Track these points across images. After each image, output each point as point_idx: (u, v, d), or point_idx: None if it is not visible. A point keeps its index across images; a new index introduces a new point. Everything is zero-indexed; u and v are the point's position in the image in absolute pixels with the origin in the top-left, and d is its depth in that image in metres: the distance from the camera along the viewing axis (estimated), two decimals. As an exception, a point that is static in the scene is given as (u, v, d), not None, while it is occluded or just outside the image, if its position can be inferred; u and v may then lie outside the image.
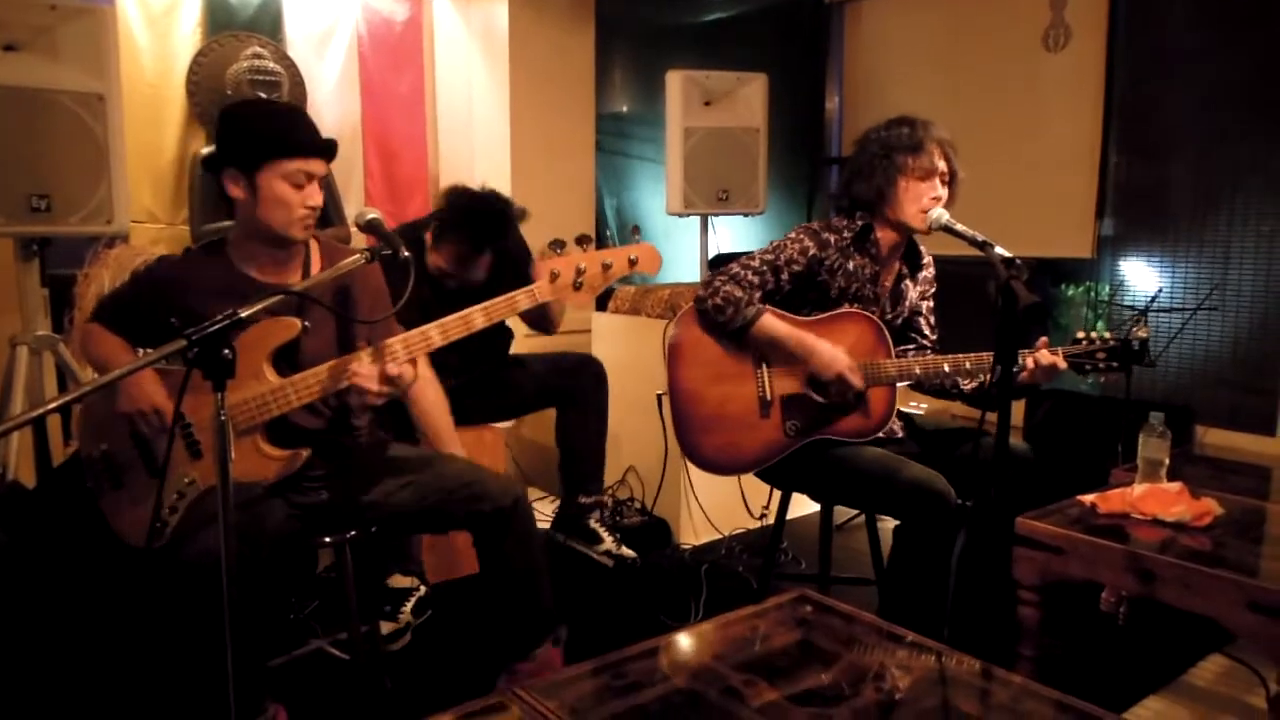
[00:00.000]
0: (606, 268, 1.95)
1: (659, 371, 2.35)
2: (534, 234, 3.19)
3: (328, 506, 2.06)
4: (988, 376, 2.24)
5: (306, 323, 1.94)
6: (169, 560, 1.86)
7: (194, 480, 1.89)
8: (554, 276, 1.93)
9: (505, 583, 2.10)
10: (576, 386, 3.06)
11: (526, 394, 3.06)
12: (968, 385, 2.33)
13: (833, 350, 2.22)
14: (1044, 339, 2.19)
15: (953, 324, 2.60)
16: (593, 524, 3.14)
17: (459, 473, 2.09)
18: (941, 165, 2.25)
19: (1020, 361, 2.12)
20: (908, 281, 2.43)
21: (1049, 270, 4.05)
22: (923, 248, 2.47)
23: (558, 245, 1.94)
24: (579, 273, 1.93)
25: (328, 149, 1.96)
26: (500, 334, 3.06)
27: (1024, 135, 4.05)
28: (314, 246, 2.08)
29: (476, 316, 1.93)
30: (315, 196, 1.94)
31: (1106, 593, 2.60)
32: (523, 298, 1.93)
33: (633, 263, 1.98)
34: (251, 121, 1.96)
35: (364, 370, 1.85)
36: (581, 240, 1.98)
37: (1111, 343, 2.17)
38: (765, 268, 2.29)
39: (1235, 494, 2.32)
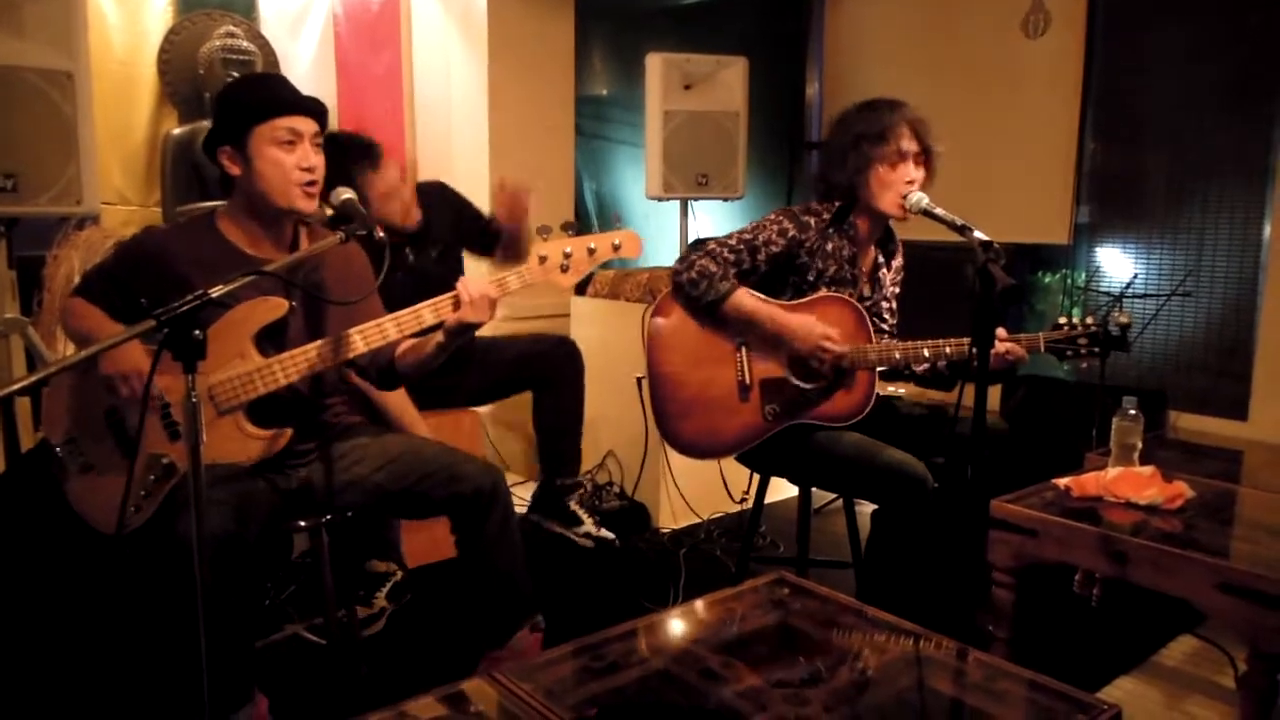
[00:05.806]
0: (591, 251, 2.03)
1: (638, 355, 2.34)
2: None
3: (306, 489, 2.04)
4: (950, 355, 2.24)
5: (293, 302, 1.93)
6: (156, 540, 1.82)
7: (171, 461, 1.87)
8: (542, 259, 2.00)
9: (483, 567, 2.09)
10: (551, 368, 3.05)
11: (501, 377, 3.04)
12: (920, 367, 2.33)
13: (808, 323, 2.22)
14: (1000, 330, 2.15)
15: (924, 307, 2.61)
16: (572, 506, 3.13)
17: (437, 454, 2.08)
18: (913, 146, 2.25)
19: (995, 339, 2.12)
20: (884, 270, 2.44)
21: (1026, 256, 4.08)
22: (896, 234, 2.47)
23: (545, 231, 2.02)
24: (566, 256, 2.00)
25: (310, 105, 1.95)
26: None
27: (1002, 121, 4.06)
28: (303, 232, 2.06)
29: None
30: (309, 157, 1.92)
31: (1080, 575, 2.63)
32: (512, 279, 1.99)
33: (616, 247, 2.06)
34: (230, 95, 2.01)
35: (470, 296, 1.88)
36: (566, 226, 2.07)
37: (1093, 329, 2.18)
38: (742, 246, 2.29)
39: (1207, 477, 2.34)
